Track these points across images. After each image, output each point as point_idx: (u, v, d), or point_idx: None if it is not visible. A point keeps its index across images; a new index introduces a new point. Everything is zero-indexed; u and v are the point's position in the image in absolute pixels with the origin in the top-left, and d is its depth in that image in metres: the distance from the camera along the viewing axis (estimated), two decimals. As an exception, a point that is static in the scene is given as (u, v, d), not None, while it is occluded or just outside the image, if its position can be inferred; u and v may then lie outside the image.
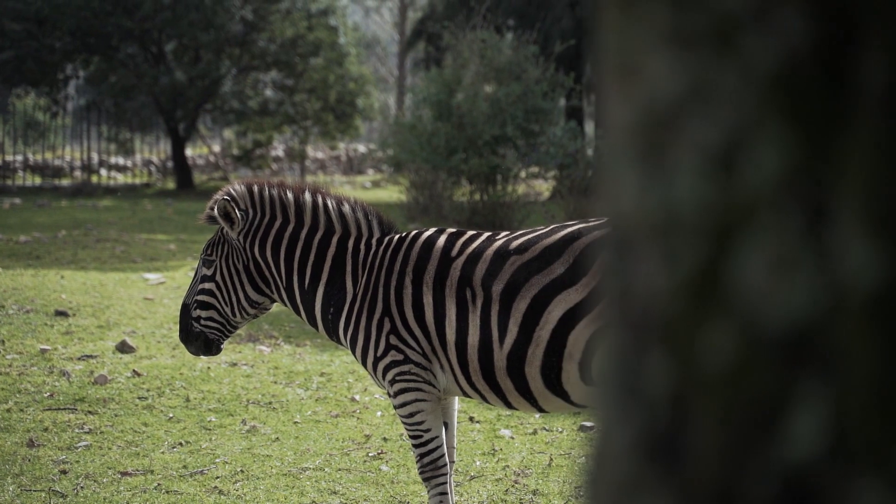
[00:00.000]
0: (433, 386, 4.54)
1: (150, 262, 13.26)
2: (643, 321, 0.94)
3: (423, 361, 4.51)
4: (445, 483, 4.63)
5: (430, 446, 4.59)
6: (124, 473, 5.80)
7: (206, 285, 4.89)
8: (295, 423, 6.91)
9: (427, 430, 4.57)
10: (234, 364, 8.26)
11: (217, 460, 6.10)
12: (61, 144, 28.52)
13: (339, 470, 5.97)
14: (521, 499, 5.51)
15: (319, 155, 33.50)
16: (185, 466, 5.98)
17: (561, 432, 6.72)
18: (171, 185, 27.55)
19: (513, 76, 17.23)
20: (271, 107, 27.72)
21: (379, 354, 4.55)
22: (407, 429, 4.62)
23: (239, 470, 5.93)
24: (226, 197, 4.82)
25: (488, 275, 4.39)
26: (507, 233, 4.58)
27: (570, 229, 4.38)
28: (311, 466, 6.02)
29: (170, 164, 28.60)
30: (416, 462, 4.64)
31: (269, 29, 26.64)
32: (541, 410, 4.43)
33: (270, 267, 4.83)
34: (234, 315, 4.91)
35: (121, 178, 28.10)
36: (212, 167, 30.54)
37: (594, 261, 4.24)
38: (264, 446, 6.40)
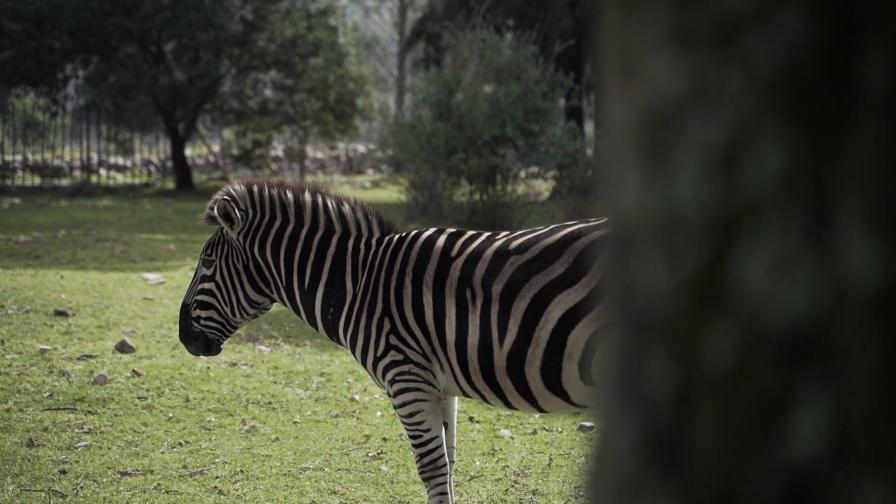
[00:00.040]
0: (433, 386, 4.54)
1: (150, 262, 13.26)
2: (645, 321, 0.94)
3: (422, 361, 4.51)
4: (445, 483, 4.63)
5: (430, 446, 4.59)
6: (124, 473, 5.80)
7: (206, 285, 4.89)
8: (295, 423, 6.91)
9: (427, 430, 4.57)
10: (234, 364, 8.26)
11: (217, 460, 6.10)
12: (61, 144, 28.52)
13: (339, 470, 5.97)
14: (520, 499, 5.51)
15: (319, 155, 33.51)
16: (184, 466, 5.97)
17: (561, 432, 6.72)
18: (170, 184, 27.55)
19: (512, 76, 17.23)
20: (271, 107, 27.72)
21: (379, 354, 4.55)
22: (407, 429, 4.62)
23: (239, 470, 5.93)
24: (226, 197, 4.82)
25: (488, 275, 4.39)
26: (507, 233, 4.58)
27: (569, 229, 4.38)
28: (310, 466, 6.02)
29: (169, 163, 28.60)
30: (416, 462, 4.64)
31: (268, 29, 26.64)
32: (541, 410, 4.43)
33: (270, 267, 4.83)
34: (233, 315, 4.90)
35: (120, 178, 28.10)
36: (211, 167, 30.54)
37: (594, 261, 4.24)
38: (264, 446, 6.40)
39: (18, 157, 26.42)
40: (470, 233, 4.63)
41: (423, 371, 4.52)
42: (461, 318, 4.40)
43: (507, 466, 6.03)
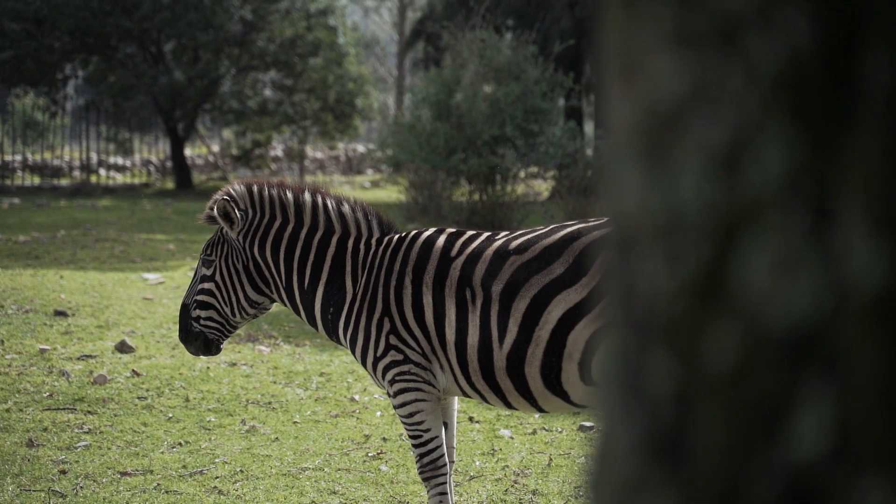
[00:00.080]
0: (433, 386, 4.54)
1: (150, 262, 13.26)
2: (646, 321, 0.94)
3: (422, 361, 4.51)
4: (445, 483, 4.63)
5: (430, 446, 4.59)
6: (124, 473, 5.80)
7: (206, 285, 4.89)
8: (294, 423, 6.91)
9: (427, 430, 4.57)
10: (234, 364, 8.26)
11: (216, 460, 6.10)
12: (60, 144, 28.52)
13: (339, 470, 5.97)
14: (520, 499, 5.51)
15: (318, 155, 33.51)
16: (184, 466, 5.97)
17: (560, 432, 6.72)
18: (170, 184, 27.55)
19: (512, 76, 17.23)
20: (270, 107, 27.72)
21: (379, 354, 4.55)
22: (406, 429, 4.62)
23: (238, 470, 5.93)
24: (225, 197, 4.82)
25: (488, 275, 4.39)
26: (507, 233, 4.58)
27: (569, 229, 4.38)
28: (310, 466, 6.02)
29: (169, 163, 28.60)
30: (416, 462, 4.64)
31: (268, 29, 26.63)
32: (540, 410, 4.43)
33: (270, 267, 4.83)
34: (233, 315, 4.90)
35: (120, 178, 28.10)
36: (211, 167, 30.54)
37: (594, 261, 4.24)
38: (264, 446, 6.39)
39: (18, 157, 26.43)
40: (470, 233, 4.63)
41: (422, 371, 4.52)
42: (461, 318, 4.40)
43: (507, 466, 6.03)
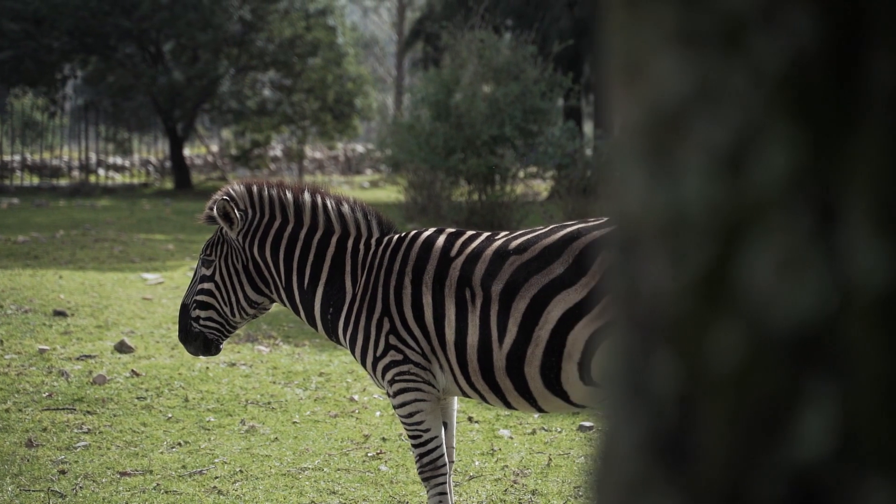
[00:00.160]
0: (432, 386, 4.54)
1: (149, 262, 13.26)
2: (650, 321, 0.93)
3: (422, 361, 4.51)
4: (444, 483, 4.63)
5: (430, 446, 4.59)
6: (123, 473, 5.79)
7: (206, 285, 4.89)
8: (294, 423, 6.91)
9: (426, 430, 4.57)
10: (233, 364, 8.26)
11: (216, 460, 6.10)
12: (59, 144, 28.52)
13: (338, 470, 5.97)
14: (519, 499, 5.51)
15: (317, 155, 33.50)
16: (183, 466, 5.97)
17: (560, 432, 6.72)
18: (169, 184, 27.54)
19: (511, 76, 17.23)
20: (269, 107, 27.71)
21: (378, 354, 4.55)
22: (406, 429, 4.62)
23: (238, 470, 5.93)
24: (225, 197, 4.82)
25: (487, 275, 4.39)
26: (507, 233, 4.58)
27: (569, 229, 4.38)
28: (309, 466, 6.02)
29: (168, 163, 28.59)
30: (416, 462, 4.64)
31: (267, 29, 26.63)
32: (540, 410, 4.43)
33: (269, 267, 4.83)
34: (233, 315, 4.90)
35: (119, 178, 28.09)
36: (210, 167, 30.54)
37: (594, 261, 4.24)
38: (263, 446, 6.39)
39: (17, 157, 26.42)
40: (469, 233, 4.63)
41: (422, 371, 4.52)
42: (461, 318, 4.40)
43: (507, 466, 6.03)
